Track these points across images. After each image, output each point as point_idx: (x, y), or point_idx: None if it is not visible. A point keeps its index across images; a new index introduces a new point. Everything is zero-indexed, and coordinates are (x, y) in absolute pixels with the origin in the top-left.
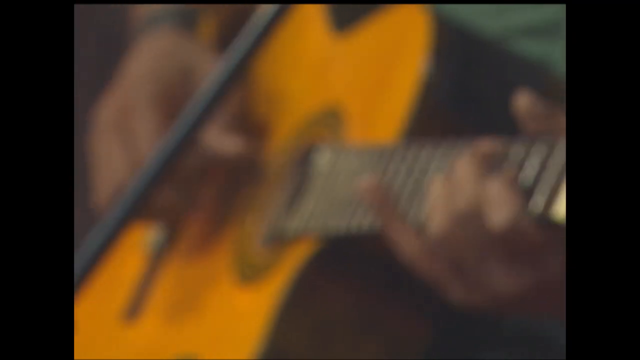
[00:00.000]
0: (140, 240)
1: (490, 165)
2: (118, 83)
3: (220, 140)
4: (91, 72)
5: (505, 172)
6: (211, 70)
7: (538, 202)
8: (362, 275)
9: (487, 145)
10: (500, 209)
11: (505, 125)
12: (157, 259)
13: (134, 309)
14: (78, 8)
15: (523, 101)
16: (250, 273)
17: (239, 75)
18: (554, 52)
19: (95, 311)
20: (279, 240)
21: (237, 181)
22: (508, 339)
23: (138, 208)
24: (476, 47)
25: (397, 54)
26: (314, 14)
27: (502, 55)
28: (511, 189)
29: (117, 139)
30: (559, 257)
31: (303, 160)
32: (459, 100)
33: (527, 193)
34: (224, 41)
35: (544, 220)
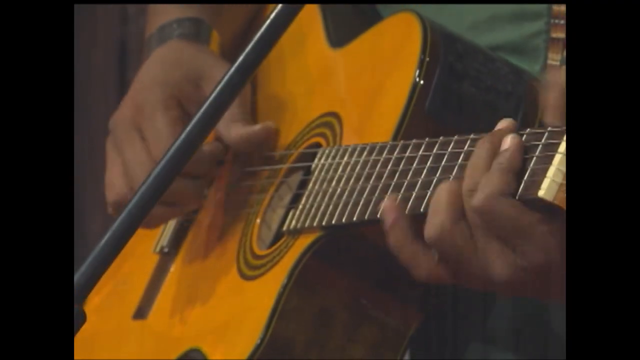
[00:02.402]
0: (151, 238)
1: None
2: (131, 88)
3: (227, 128)
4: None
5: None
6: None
7: (524, 185)
8: (357, 264)
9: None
10: (480, 190)
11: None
12: (167, 257)
13: (144, 305)
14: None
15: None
16: (253, 269)
17: (246, 80)
18: (535, 70)
19: (106, 306)
20: (280, 238)
21: (242, 183)
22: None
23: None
24: (467, 58)
25: (390, 65)
26: (315, 30)
27: (493, 64)
28: (495, 173)
29: (127, 137)
30: (545, 243)
31: (303, 161)
32: (449, 108)
33: (517, 178)
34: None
35: (529, 202)
